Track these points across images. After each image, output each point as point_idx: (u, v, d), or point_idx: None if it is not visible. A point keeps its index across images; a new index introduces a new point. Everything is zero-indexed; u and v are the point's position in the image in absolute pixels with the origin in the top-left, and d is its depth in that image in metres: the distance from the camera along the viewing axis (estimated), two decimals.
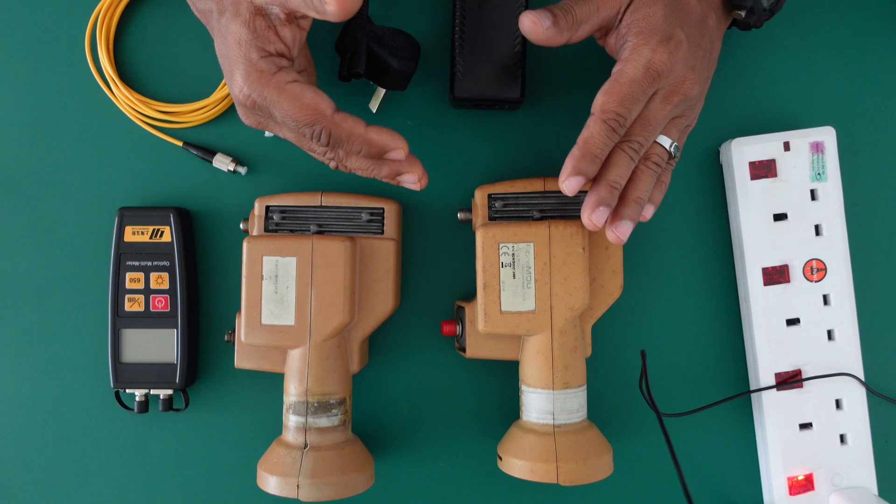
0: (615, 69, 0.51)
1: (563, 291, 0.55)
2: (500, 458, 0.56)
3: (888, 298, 0.62)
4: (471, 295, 0.61)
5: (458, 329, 0.59)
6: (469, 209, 0.59)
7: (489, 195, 0.58)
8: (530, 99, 0.62)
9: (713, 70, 0.55)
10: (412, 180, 0.51)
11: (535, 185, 0.58)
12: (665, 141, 0.53)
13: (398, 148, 0.49)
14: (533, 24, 0.51)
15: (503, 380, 0.62)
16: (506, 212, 0.58)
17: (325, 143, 0.48)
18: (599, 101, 0.50)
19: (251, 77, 0.47)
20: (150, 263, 0.59)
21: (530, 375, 0.56)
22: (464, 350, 0.58)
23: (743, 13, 0.53)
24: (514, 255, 0.55)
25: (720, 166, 0.62)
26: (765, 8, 0.53)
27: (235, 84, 0.47)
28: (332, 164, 0.51)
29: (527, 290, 0.55)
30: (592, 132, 0.50)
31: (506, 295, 0.55)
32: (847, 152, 0.62)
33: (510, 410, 0.62)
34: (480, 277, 0.55)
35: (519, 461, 0.54)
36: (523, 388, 0.56)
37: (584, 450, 0.54)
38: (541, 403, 0.55)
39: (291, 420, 0.55)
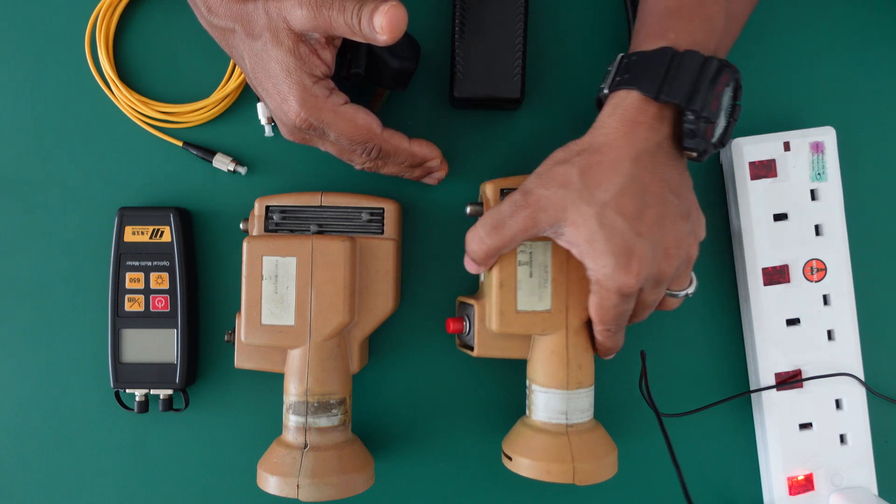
0: (591, 292, 0.52)
1: (580, 290, 0.54)
2: (510, 458, 0.55)
3: (888, 298, 0.62)
4: (471, 290, 0.61)
5: (466, 327, 0.57)
6: (478, 203, 0.57)
7: (501, 189, 0.56)
8: (530, 99, 0.62)
9: (691, 190, 0.53)
10: (439, 177, 0.59)
11: None
12: (677, 295, 0.55)
13: (436, 157, 0.57)
14: (467, 265, 0.54)
15: (503, 379, 0.62)
16: None
17: (375, 157, 0.54)
18: (594, 316, 0.53)
19: (308, 103, 0.50)
20: (150, 263, 0.59)
21: (544, 375, 0.55)
22: (469, 348, 0.57)
23: (695, 154, 0.51)
24: (531, 253, 0.54)
25: (720, 166, 0.62)
26: (713, 143, 0.51)
27: (291, 109, 0.50)
28: (371, 170, 0.56)
29: (543, 290, 0.55)
30: (599, 340, 0.55)
31: (522, 294, 0.54)
32: (847, 152, 0.62)
33: (511, 410, 0.62)
34: (496, 276, 0.54)
35: (532, 461, 0.54)
36: (534, 387, 0.55)
37: (597, 449, 0.54)
38: (554, 403, 0.54)
39: (291, 420, 0.55)
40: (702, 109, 0.49)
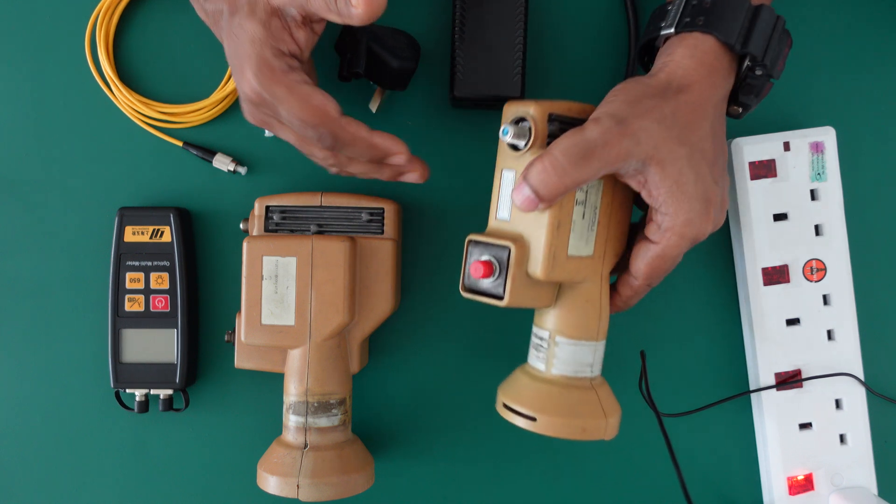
0: (648, 242, 0.49)
1: (616, 236, 0.51)
2: (534, 419, 0.50)
3: (888, 298, 0.62)
4: None
5: (496, 271, 0.49)
6: (518, 123, 0.49)
7: (550, 114, 0.49)
8: (530, 99, 0.62)
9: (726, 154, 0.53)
10: (415, 178, 0.52)
11: (590, 110, 0.50)
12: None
13: (400, 153, 0.50)
14: (525, 203, 0.47)
15: (504, 378, 0.62)
16: None
17: (329, 145, 0.48)
18: (642, 269, 0.50)
19: (262, 73, 0.47)
20: (150, 263, 0.59)
21: (575, 326, 0.50)
22: (492, 296, 0.49)
23: (740, 110, 0.52)
24: (587, 191, 0.49)
25: None
26: (756, 103, 0.52)
27: (245, 80, 0.47)
28: (333, 170, 0.51)
29: (590, 234, 0.50)
30: (630, 295, 0.52)
31: (574, 237, 0.49)
32: (847, 152, 0.62)
33: None
34: (553, 215, 0.48)
35: (567, 420, 0.49)
36: (560, 339, 0.51)
37: (615, 402, 0.52)
38: (583, 356, 0.51)
39: (291, 420, 0.55)
40: (771, 67, 0.49)
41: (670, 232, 0.48)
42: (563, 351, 0.51)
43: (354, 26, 0.56)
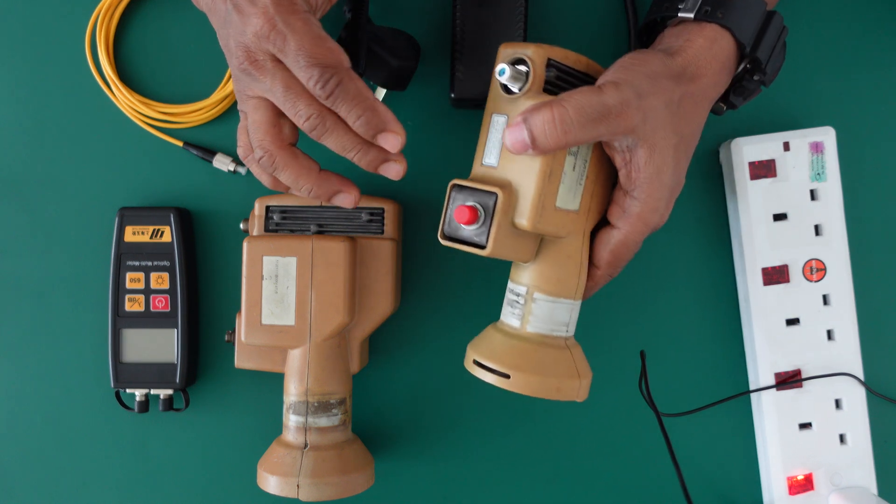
0: (619, 220, 0.49)
1: (601, 194, 0.50)
2: (507, 377, 0.48)
3: (888, 298, 0.62)
4: (471, 292, 0.61)
5: (480, 218, 0.47)
6: (515, 64, 0.47)
7: (549, 59, 0.47)
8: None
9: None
10: (395, 172, 0.48)
11: (592, 65, 0.50)
12: None
13: (396, 132, 0.46)
14: (517, 145, 0.45)
15: None
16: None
17: (330, 92, 0.44)
18: (605, 257, 0.49)
19: (282, 4, 0.43)
20: (150, 263, 0.59)
21: (555, 283, 0.49)
22: (474, 245, 0.47)
23: (725, 109, 0.52)
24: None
25: (720, 166, 0.62)
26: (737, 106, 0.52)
27: (257, 9, 0.43)
28: (313, 133, 0.46)
29: (577, 188, 0.48)
30: (597, 282, 0.51)
31: (563, 189, 0.47)
32: (847, 152, 0.62)
33: (511, 409, 0.62)
34: (545, 163, 0.46)
35: (542, 378, 0.47)
36: (538, 296, 0.49)
37: (587, 365, 0.51)
38: (560, 314, 0.49)
39: (291, 420, 0.55)
40: (769, 75, 0.49)
41: (635, 218, 0.48)
42: (540, 308, 0.49)
43: (354, 26, 0.55)
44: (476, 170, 0.50)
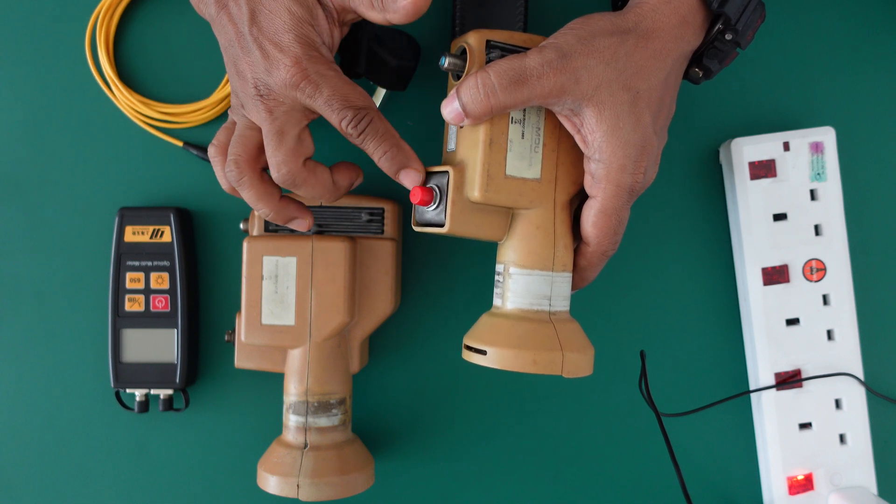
0: (591, 188, 0.48)
1: (570, 161, 0.49)
2: (483, 353, 0.48)
3: (888, 298, 0.62)
4: (471, 293, 0.61)
5: (436, 197, 0.49)
6: (457, 55, 0.49)
7: (487, 41, 0.49)
8: None
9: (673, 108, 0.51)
10: (301, 224, 0.52)
11: (536, 41, 0.50)
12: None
13: (419, 172, 0.49)
14: (452, 116, 0.47)
15: (504, 377, 0.62)
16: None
17: (362, 130, 0.47)
18: (589, 230, 0.48)
19: (312, 55, 0.46)
20: (150, 263, 0.59)
21: (527, 255, 0.49)
22: (436, 225, 0.49)
23: (700, 74, 0.51)
24: (525, 110, 0.48)
25: (720, 166, 0.62)
26: (713, 74, 0.51)
27: (290, 54, 0.45)
28: (285, 185, 0.48)
29: (534, 155, 0.48)
30: (590, 262, 0.50)
31: (512, 156, 0.48)
32: (847, 152, 0.62)
33: (512, 409, 0.62)
34: (486, 132, 0.47)
35: (516, 351, 0.47)
36: (513, 270, 0.49)
37: (582, 339, 0.49)
38: (537, 287, 0.49)
39: (291, 420, 0.55)
40: (741, 34, 0.48)
41: (605, 181, 0.47)
42: (515, 282, 0.49)
43: (354, 26, 0.56)
44: (443, 159, 0.52)
